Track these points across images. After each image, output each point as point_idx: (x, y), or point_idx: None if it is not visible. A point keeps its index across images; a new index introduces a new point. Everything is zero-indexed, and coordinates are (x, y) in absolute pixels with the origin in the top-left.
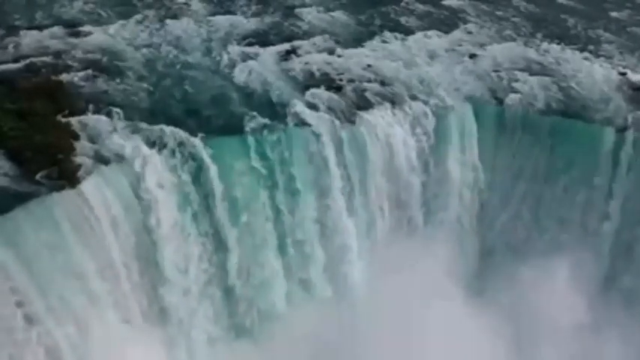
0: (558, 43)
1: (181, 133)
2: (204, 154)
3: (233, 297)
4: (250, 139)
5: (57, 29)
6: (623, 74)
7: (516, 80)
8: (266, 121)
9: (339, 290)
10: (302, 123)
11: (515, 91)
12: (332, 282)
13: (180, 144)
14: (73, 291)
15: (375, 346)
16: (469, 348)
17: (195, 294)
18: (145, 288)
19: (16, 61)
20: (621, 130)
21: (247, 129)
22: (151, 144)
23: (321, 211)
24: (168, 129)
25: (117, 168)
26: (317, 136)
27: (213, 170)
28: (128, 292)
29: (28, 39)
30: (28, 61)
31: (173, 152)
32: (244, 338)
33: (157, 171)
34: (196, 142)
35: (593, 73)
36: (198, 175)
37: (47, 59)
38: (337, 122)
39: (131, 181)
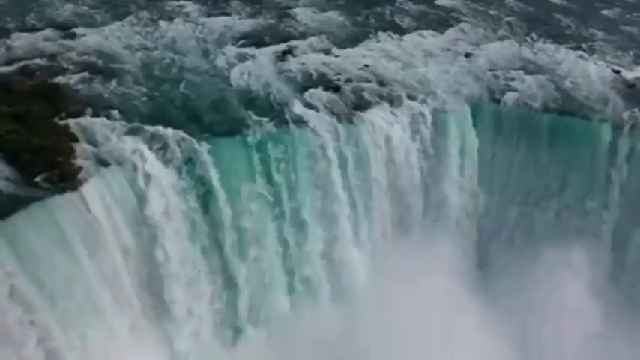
0: (552, 42)
1: (185, 145)
2: (213, 175)
3: (244, 335)
4: (255, 158)
5: (50, 32)
6: (617, 72)
7: (512, 79)
8: (269, 128)
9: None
10: (303, 124)
11: (512, 90)
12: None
13: (188, 162)
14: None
15: None
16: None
17: (207, 334)
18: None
19: (9, 63)
20: (618, 126)
21: (250, 140)
22: (153, 151)
23: (327, 243)
24: (170, 136)
25: (119, 172)
26: (323, 150)
27: (222, 195)
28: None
29: (21, 41)
30: (22, 63)
31: (179, 171)
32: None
33: (164, 194)
34: (204, 156)
35: (587, 72)
36: (207, 201)
37: (41, 62)
38: (340, 129)
39: (131, 183)
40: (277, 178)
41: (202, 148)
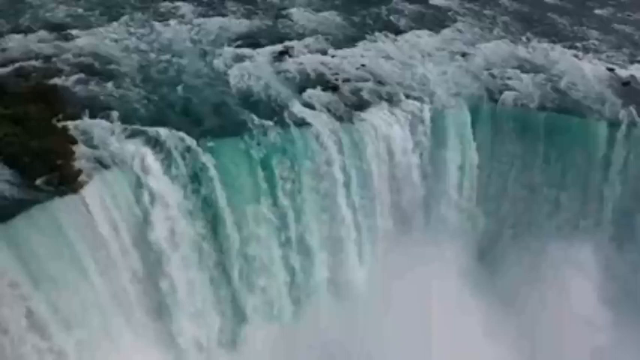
0: (547, 41)
1: (190, 157)
2: (219, 193)
3: None
4: (260, 176)
5: (44, 33)
6: (612, 70)
7: (509, 78)
8: (272, 135)
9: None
10: (305, 128)
11: (510, 89)
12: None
13: (194, 179)
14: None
15: None
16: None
17: None
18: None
19: (4, 65)
20: (614, 124)
21: (254, 154)
22: (157, 159)
23: (333, 270)
24: (172, 144)
25: (120, 175)
26: (328, 166)
27: (229, 217)
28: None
29: (16, 43)
30: (17, 65)
31: (185, 187)
32: None
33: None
34: (210, 171)
35: (583, 70)
36: (215, 224)
37: (37, 63)
38: (343, 137)
39: (134, 185)
40: (283, 200)
41: (208, 162)
